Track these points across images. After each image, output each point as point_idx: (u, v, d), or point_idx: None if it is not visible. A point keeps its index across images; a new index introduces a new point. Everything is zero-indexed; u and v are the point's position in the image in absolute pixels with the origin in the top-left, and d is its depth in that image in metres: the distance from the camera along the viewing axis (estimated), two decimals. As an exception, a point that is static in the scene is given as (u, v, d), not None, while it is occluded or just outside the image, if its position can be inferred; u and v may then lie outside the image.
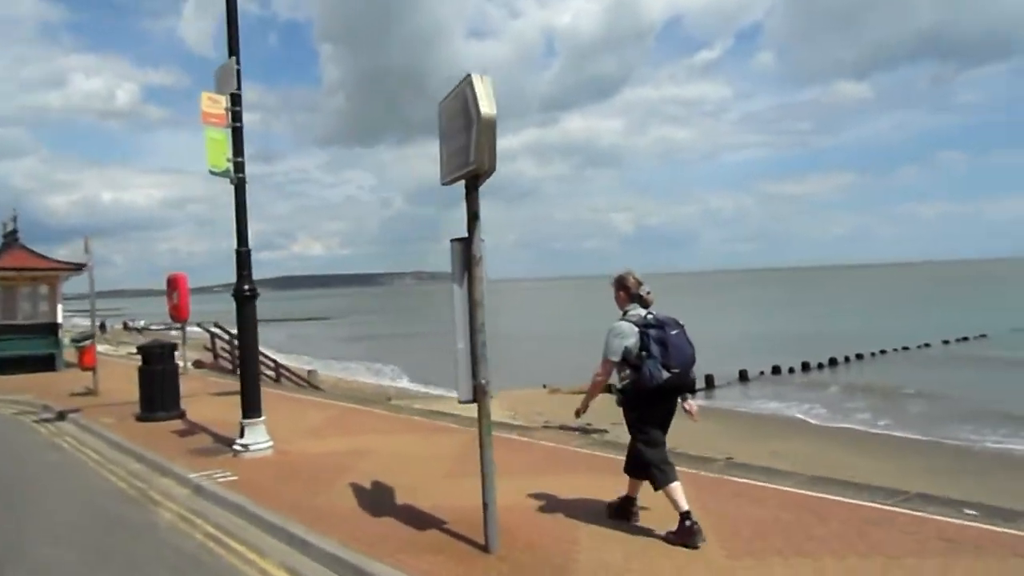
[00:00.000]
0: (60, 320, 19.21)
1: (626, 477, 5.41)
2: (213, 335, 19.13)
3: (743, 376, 32.69)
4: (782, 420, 23.89)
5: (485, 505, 4.89)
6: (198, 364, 18.63)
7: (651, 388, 4.87)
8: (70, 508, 6.86)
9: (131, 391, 13.88)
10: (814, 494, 5.95)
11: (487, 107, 4.35)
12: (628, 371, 4.98)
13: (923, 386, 27.54)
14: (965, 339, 44.95)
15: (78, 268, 19.10)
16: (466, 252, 4.86)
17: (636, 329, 4.97)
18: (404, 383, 35.64)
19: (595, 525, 5.40)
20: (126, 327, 76.05)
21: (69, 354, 20.56)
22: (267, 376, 19.65)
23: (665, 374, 4.84)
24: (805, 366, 35.27)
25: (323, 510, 5.99)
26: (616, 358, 4.99)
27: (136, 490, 7.40)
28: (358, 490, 6.58)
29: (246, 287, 8.13)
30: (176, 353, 11.56)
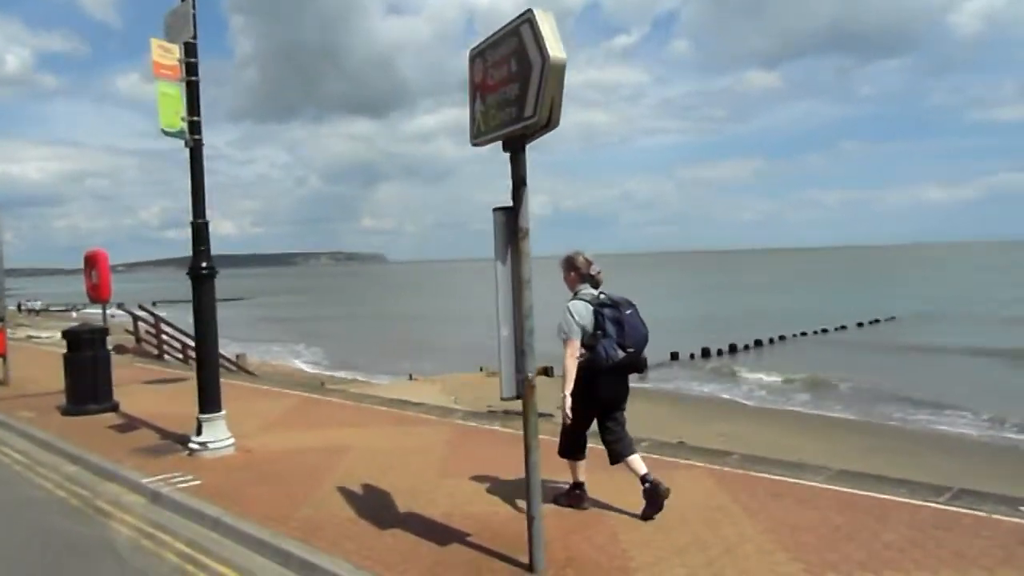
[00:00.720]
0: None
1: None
2: (136, 318, 17.63)
3: (674, 357, 33.01)
4: (720, 402, 24.07)
5: (531, 519, 4.21)
6: (120, 349, 17.13)
7: (606, 367, 4.87)
8: (1, 527, 5.81)
9: (46, 380, 12.59)
10: (858, 492, 5.51)
11: (556, 49, 3.62)
12: (581, 350, 4.92)
13: (846, 369, 28.33)
14: (877, 321, 47.00)
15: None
16: (511, 224, 4.15)
17: (591, 308, 4.96)
18: (327, 366, 34.38)
19: (631, 529, 4.83)
20: (20, 308, 71.21)
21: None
22: (151, 348, 18.21)
23: (620, 353, 4.87)
24: (732, 348, 35.97)
25: (316, 521, 5.18)
26: (577, 337, 4.91)
27: (80, 499, 6.37)
28: (349, 495, 5.79)
29: (203, 264, 7.13)
30: (107, 338, 10.32)
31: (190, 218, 7.17)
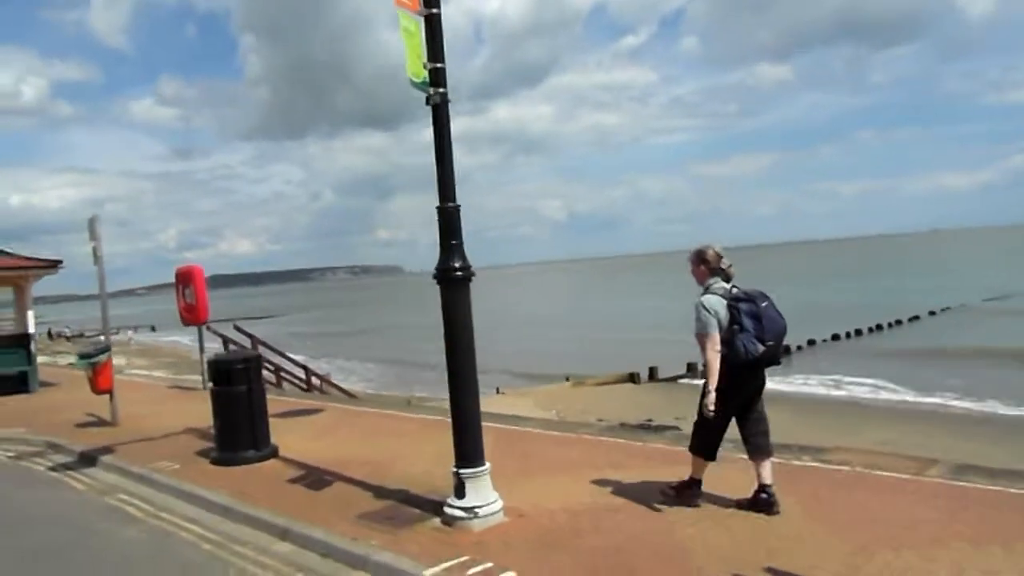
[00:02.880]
0: (32, 330, 15.58)
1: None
2: (227, 340, 15.83)
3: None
4: (848, 402, 21.97)
5: None
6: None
7: (745, 363, 4.83)
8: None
9: (153, 417, 10.80)
10: None
11: None
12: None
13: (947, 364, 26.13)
14: (948, 309, 44.70)
15: (52, 265, 15.53)
16: None
17: (724, 302, 4.94)
18: (388, 383, 32.46)
19: None
20: (51, 335, 69.79)
21: (41, 372, 17.08)
22: (297, 384, 16.51)
23: (760, 347, 4.82)
24: (811, 342, 33.67)
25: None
26: (715, 331, 4.88)
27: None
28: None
29: (456, 264, 5.24)
30: (243, 367, 8.36)
31: (436, 203, 5.28)
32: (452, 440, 5.39)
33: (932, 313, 43.33)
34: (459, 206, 5.25)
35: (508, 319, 59.44)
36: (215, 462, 7.83)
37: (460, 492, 5.25)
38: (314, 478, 6.96)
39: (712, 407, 4.86)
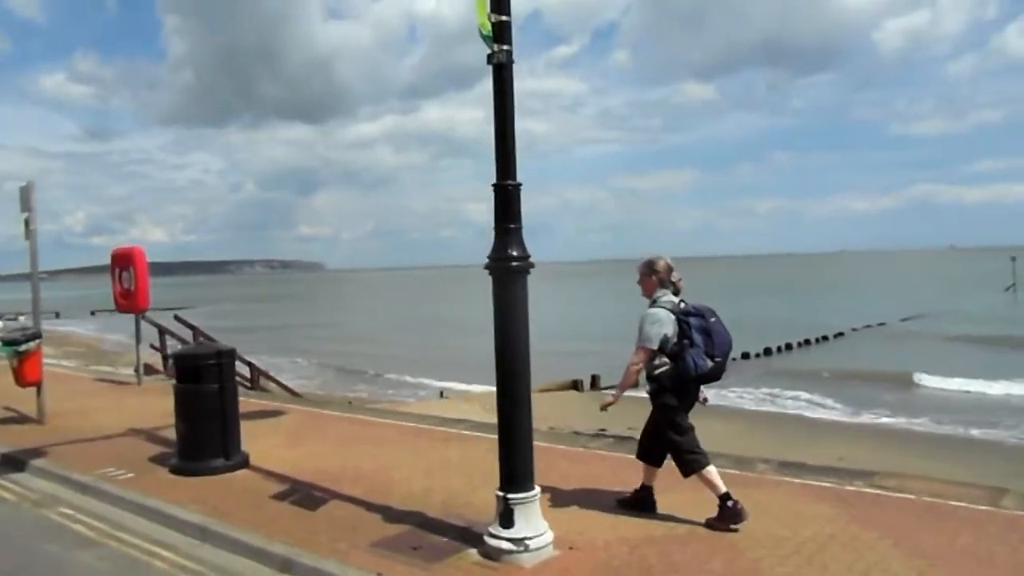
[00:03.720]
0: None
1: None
2: (163, 331, 14.46)
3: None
4: (794, 418, 21.96)
5: None
6: (148, 370, 13.93)
7: (693, 378, 4.81)
8: None
9: (87, 416, 9.58)
10: None
11: None
12: (664, 360, 4.88)
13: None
14: (868, 327, 46.10)
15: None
16: None
17: (672, 317, 4.88)
18: (326, 382, 31.03)
19: None
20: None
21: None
22: (241, 381, 15.18)
23: (709, 363, 4.78)
24: (744, 355, 33.99)
25: None
26: (654, 346, 4.86)
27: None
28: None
29: (513, 252, 4.45)
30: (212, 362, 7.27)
31: (494, 180, 4.49)
32: (498, 459, 4.59)
33: (855, 329, 44.50)
34: (520, 184, 4.48)
35: (426, 320, 58.65)
36: (176, 471, 6.77)
37: (507, 520, 4.47)
38: (301, 494, 6.02)
39: (608, 406, 5.06)
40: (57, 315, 77.36)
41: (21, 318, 65.64)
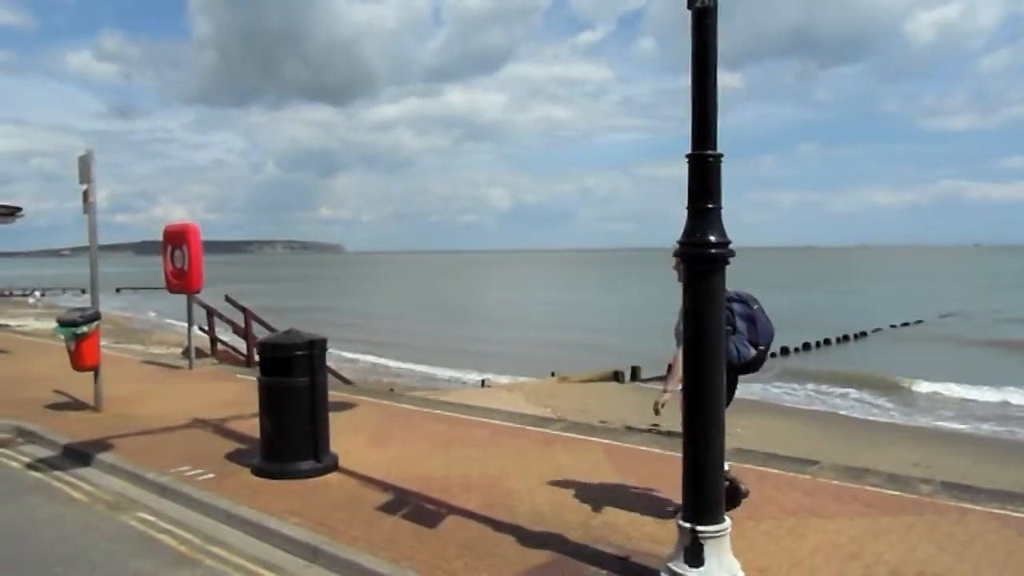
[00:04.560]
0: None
1: None
2: (211, 312, 13.84)
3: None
4: (845, 418, 21.05)
5: None
6: (198, 354, 13.31)
7: (735, 366, 4.58)
8: None
9: (144, 404, 9.02)
10: None
11: None
12: None
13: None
14: (907, 324, 44.83)
15: (11, 213, 13.31)
16: None
17: None
18: (366, 367, 30.34)
19: None
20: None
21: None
22: (236, 353, 14.41)
23: (752, 351, 4.66)
24: (784, 351, 32.93)
25: None
26: None
27: None
28: None
29: (711, 237, 3.69)
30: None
31: (689, 150, 3.72)
32: (682, 486, 3.85)
33: (892, 326, 43.24)
34: (721, 155, 3.71)
35: (468, 308, 57.85)
36: (260, 473, 6.10)
37: (695, 557, 3.73)
38: (412, 507, 5.31)
39: (661, 406, 4.64)
40: (83, 291, 77.69)
41: (37, 293, 65.89)
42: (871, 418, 21.10)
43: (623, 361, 26.73)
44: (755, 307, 4.74)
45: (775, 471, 6.02)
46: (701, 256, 3.71)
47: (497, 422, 8.29)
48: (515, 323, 46.23)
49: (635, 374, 26.95)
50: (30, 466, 6.96)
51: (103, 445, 7.11)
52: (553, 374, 25.83)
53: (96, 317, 8.54)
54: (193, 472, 6.20)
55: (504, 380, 25.63)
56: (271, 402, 6.10)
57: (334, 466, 6.24)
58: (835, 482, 5.74)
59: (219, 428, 7.83)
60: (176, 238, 11.60)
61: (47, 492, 6.19)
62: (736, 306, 4.70)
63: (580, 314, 53.63)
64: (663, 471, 5.87)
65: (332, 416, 8.20)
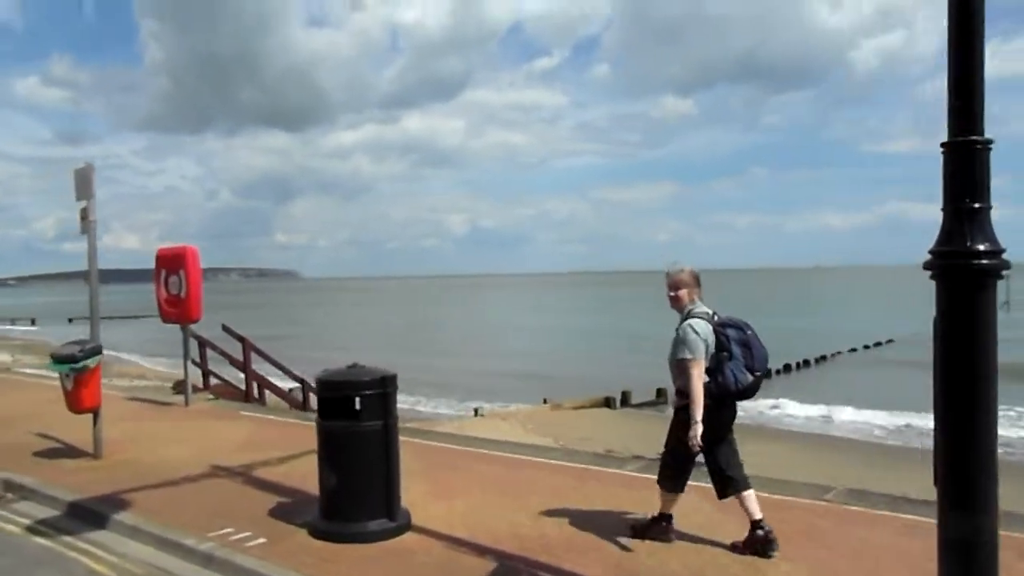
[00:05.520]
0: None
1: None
2: (203, 343, 12.71)
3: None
4: (847, 441, 20.50)
5: None
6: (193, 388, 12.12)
7: (732, 392, 4.61)
8: None
9: (146, 448, 8.00)
10: None
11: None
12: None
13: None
14: (879, 344, 44.85)
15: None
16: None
17: (710, 328, 4.65)
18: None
19: None
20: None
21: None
22: (287, 398, 13.46)
23: (749, 377, 4.62)
24: (786, 367, 32.31)
25: None
26: (704, 358, 4.57)
27: None
28: None
29: (980, 246, 2.92)
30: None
31: (946, 137, 2.97)
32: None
33: (852, 350, 42.79)
34: (991, 142, 2.96)
35: (437, 335, 56.55)
36: (321, 535, 5.13)
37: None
38: (522, 575, 4.41)
39: (699, 439, 4.49)
40: (33, 321, 74.51)
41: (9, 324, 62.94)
42: (877, 440, 20.57)
43: (606, 383, 26.06)
44: (749, 332, 4.70)
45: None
46: (969, 269, 2.93)
47: (553, 461, 7.42)
48: (489, 350, 45.23)
49: (625, 399, 26.23)
50: (31, 529, 5.85)
51: (117, 501, 6.05)
52: (545, 400, 24.98)
53: (98, 351, 7.46)
54: (239, 536, 5.19)
55: (491, 408, 24.72)
56: (334, 451, 5.14)
57: (407, 525, 5.29)
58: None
59: (247, 477, 6.81)
60: (172, 262, 10.54)
61: (60, 565, 5.11)
62: (731, 331, 4.66)
63: (553, 338, 52.86)
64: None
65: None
